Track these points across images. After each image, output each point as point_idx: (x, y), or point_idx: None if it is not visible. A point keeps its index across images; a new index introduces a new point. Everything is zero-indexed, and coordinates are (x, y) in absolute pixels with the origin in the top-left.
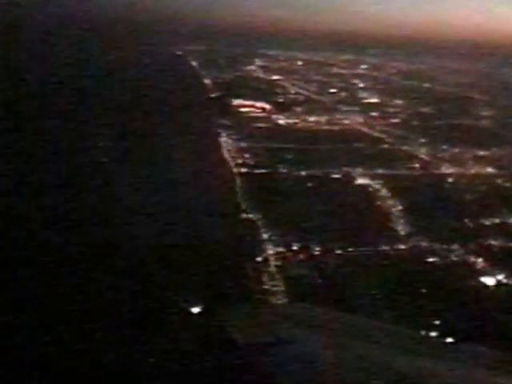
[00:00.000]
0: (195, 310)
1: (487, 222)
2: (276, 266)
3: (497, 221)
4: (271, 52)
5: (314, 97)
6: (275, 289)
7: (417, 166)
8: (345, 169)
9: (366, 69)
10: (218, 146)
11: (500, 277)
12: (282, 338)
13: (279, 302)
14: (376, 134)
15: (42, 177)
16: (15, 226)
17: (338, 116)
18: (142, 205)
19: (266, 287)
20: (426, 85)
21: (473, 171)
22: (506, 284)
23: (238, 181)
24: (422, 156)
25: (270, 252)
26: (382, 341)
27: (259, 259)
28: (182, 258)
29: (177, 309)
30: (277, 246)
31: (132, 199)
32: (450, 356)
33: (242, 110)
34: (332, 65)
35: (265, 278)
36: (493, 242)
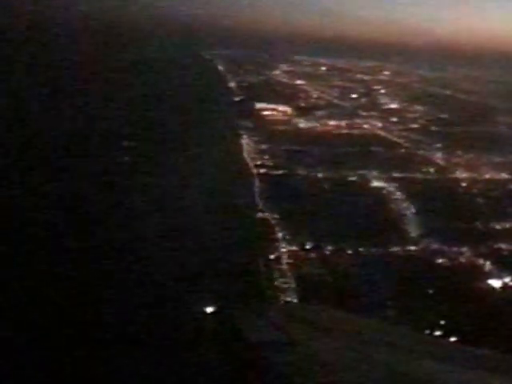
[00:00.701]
0: (209, 309)
1: (498, 226)
2: (288, 263)
3: (508, 225)
4: (296, 57)
5: (335, 101)
6: (286, 286)
7: (432, 170)
8: (361, 172)
9: (388, 75)
10: (239, 148)
11: (507, 279)
12: (295, 339)
13: (289, 299)
14: (394, 139)
15: (68, 175)
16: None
17: (357, 121)
18: (158, 200)
19: (277, 284)
20: (447, 92)
21: (487, 176)
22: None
23: (256, 181)
24: (438, 161)
25: (283, 250)
26: (394, 344)
27: (272, 257)
28: (195, 257)
29: (190, 308)
30: (290, 244)
31: (150, 196)
32: (456, 358)
33: (264, 113)
34: (355, 71)
35: (276, 276)
36: (502, 246)
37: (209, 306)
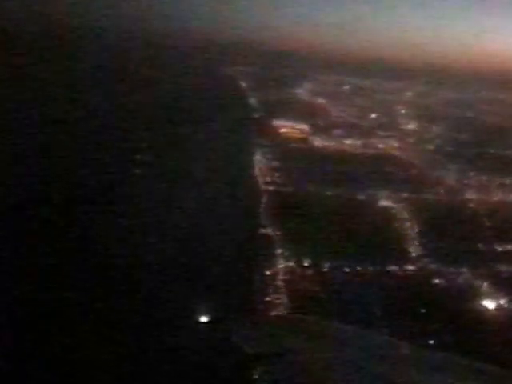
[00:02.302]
0: (203, 319)
1: (500, 248)
2: (283, 280)
3: (510, 247)
4: (321, 76)
5: (354, 121)
6: (278, 301)
7: (442, 191)
8: (370, 191)
9: (411, 96)
10: (251, 164)
11: (502, 301)
12: (289, 349)
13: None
14: (408, 159)
15: (82, 186)
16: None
17: (373, 140)
18: (164, 211)
19: (270, 299)
20: (469, 114)
21: (496, 198)
22: (506, 308)
23: (264, 198)
24: (449, 181)
25: (280, 266)
26: (384, 354)
27: (268, 272)
28: (193, 267)
29: (185, 318)
30: (287, 261)
31: (157, 208)
32: (446, 369)
33: (281, 130)
34: (378, 91)
35: (270, 291)
36: (502, 268)
37: (203, 315)
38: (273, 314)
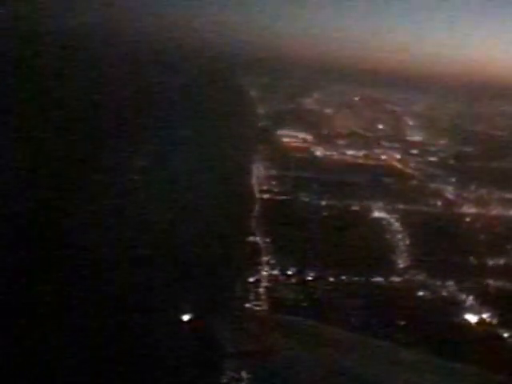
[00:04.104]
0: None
1: (491, 262)
2: (266, 287)
3: (502, 262)
4: (332, 86)
5: (360, 131)
6: (257, 308)
7: (438, 203)
8: (365, 202)
9: (421, 108)
10: (249, 172)
11: (485, 315)
12: (270, 348)
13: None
14: (409, 171)
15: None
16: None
17: (376, 151)
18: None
19: (250, 306)
20: (478, 127)
21: (494, 213)
22: (487, 322)
23: (258, 206)
24: (447, 194)
25: (264, 274)
26: (365, 353)
27: (251, 279)
28: (177, 267)
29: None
30: (272, 269)
31: (151, 209)
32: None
33: (284, 139)
34: (388, 102)
35: (251, 298)
36: (491, 282)
37: (185, 313)
38: (255, 314)
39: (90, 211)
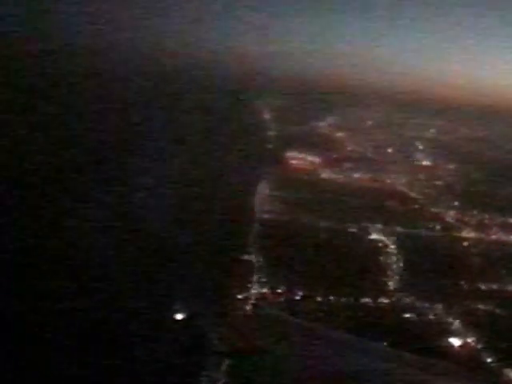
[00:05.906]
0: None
1: (484, 287)
2: (253, 305)
3: (495, 287)
4: (347, 110)
5: (369, 155)
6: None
7: (438, 227)
8: (364, 224)
9: (433, 132)
10: (252, 192)
11: (470, 339)
12: (260, 346)
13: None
14: (412, 195)
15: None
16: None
17: (382, 175)
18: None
19: (235, 323)
20: (489, 152)
21: (493, 237)
22: (472, 346)
23: (256, 225)
24: (448, 218)
25: (253, 292)
26: (356, 353)
27: (240, 297)
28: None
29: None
30: (262, 287)
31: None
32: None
33: (292, 161)
34: (401, 126)
35: (238, 314)
36: (480, 307)
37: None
38: (246, 314)
39: None
